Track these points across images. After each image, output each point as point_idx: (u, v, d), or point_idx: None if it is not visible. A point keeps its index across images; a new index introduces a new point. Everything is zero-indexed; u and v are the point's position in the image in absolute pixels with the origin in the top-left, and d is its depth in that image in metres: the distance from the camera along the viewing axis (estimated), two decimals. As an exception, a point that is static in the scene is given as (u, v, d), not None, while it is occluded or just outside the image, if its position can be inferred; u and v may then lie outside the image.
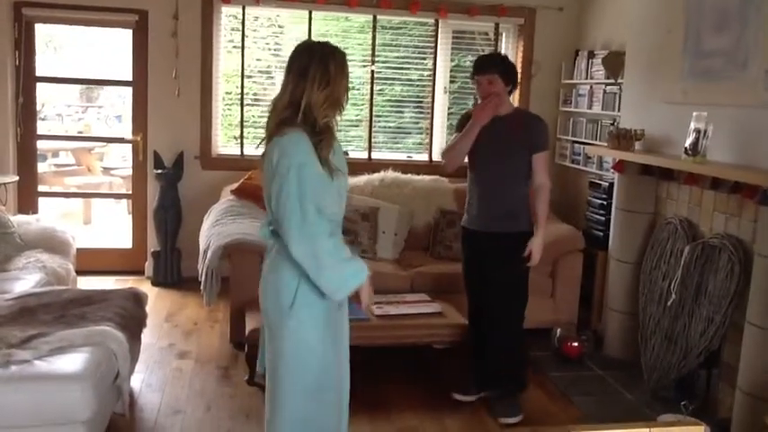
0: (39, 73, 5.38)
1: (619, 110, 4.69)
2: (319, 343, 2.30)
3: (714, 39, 3.69)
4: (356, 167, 5.38)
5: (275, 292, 2.30)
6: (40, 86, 5.46)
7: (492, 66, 3.44)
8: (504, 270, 3.45)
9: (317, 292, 2.26)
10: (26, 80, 5.25)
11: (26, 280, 3.78)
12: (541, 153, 3.43)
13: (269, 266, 2.34)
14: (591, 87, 5.21)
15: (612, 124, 4.74)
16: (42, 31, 5.53)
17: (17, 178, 5.22)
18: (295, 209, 2.15)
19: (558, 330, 4.35)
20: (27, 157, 5.39)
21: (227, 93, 5.56)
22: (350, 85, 2.41)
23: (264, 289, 2.36)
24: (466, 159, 3.55)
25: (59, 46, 8.15)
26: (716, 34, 3.68)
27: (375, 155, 5.68)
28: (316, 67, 2.28)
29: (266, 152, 2.27)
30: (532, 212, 3.44)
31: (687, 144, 3.58)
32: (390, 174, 5.20)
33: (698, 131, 3.53)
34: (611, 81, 4.89)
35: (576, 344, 4.25)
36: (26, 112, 5.31)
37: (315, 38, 5.48)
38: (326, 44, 2.37)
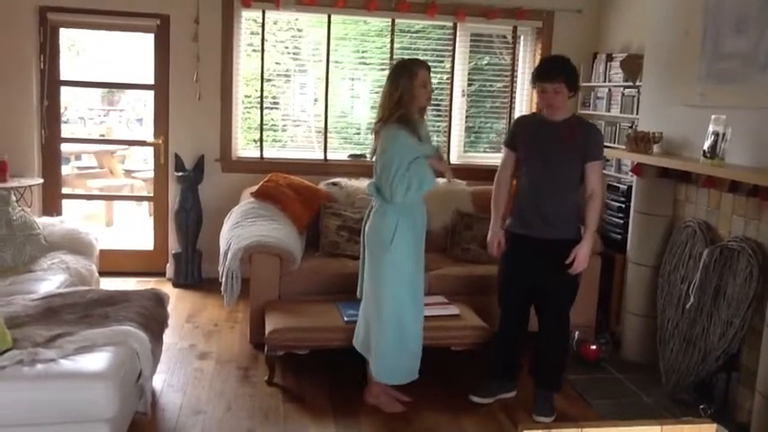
0: (63, 77, 5.47)
1: (637, 112, 4.69)
2: (411, 267, 3.40)
3: (733, 41, 3.68)
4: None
5: (378, 230, 3.38)
6: (63, 90, 5.56)
7: (560, 73, 3.36)
8: (562, 275, 3.45)
9: (410, 231, 3.37)
10: (50, 84, 5.34)
11: (51, 280, 3.85)
12: (596, 162, 3.43)
13: (375, 213, 3.43)
14: (609, 90, 5.21)
15: (631, 127, 4.73)
16: (65, 36, 5.62)
17: (42, 181, 5.32)
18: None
19: (576, 333, 4.35)
20: (51, 160, 5.48)
21: (246, 96, 5.62)
22: (424, 86, 3.34)
23: (370, 228, 3.44)
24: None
25: (82, 50, 8.27)
26: (734, 36, 3.67)
27: (393, 157, 5.70)
28: (393, 79, 3.38)
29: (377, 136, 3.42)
30: (582, 220, 3.47)
31: (705, 147, 3.57)
32: (408, 176, 5.21)
33: (716, 134, 3.52)
34: (630, 84, 4.88)
35: (593, 347, 4.25)
36: (51, 116, 5.41)
37: (333, 41, 5.54)
38: (409, 60, 3.53)
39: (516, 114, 5.80)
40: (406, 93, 3.29)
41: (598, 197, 3.43)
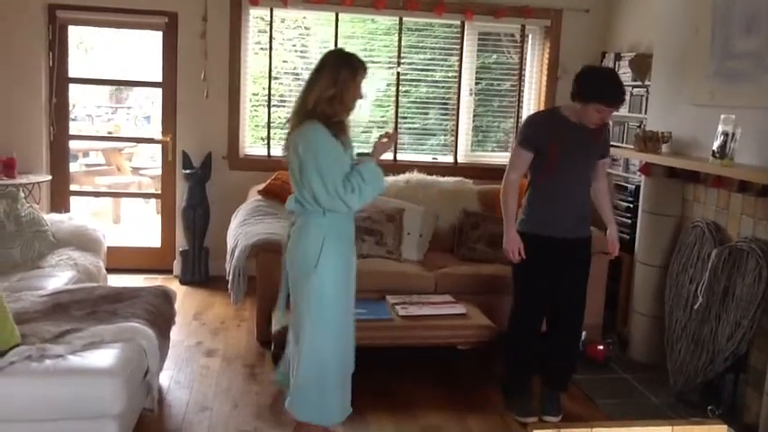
0: (71, 74, 5.49)
1: (646, 112, 4.67)
2: (338, 293, 2.88)
3: (743, 40, 3.66)
4: (381, 168, 5.41)
5: (301, 249, 2.86)
6: (71, 87, 5.57)
7: (624, 99, 3.39)
8: (584, 274, 3.53)
9: (338, 251, 2.85)
10: (59, 81, 5.36)
11: (59, 277, 3.87)
12: (607, 158, 3.66)
13: (296, 231, 2.90)
14: (623, 88, 5.17)
15: (639, 126, 4.72)
16: (73, 33, 5.64)
17: (50, 177, 5.34)
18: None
19: (584, 333, 4.32)
20: (60, 157, 5.50)
21: (254, 94, 5.63)
22: (361, 94, 2.86)
23: (291, 249, 2.91)
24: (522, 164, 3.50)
25: (90, 48, 8.30)
26: (744, 36, 3.65)
27: (400, 156, 5.71)
28: (328, 69, 2.81)
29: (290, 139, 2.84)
30: (602, 211, 3.64)
31: (715, 146, 3.55)
32: (415, 175, 5.22)
33: (725, 134, 3.51)
34: (638, 83, 4.86)
35: (601, 347, 4.24)
36: (59, 113, 5.42)
37: (341, 40, 5.53)
38: (350, 54, 2.89)
39: (524, 113, 5.78)
40: (345, 91, 2.80)
41: (607, 190, 3.70)
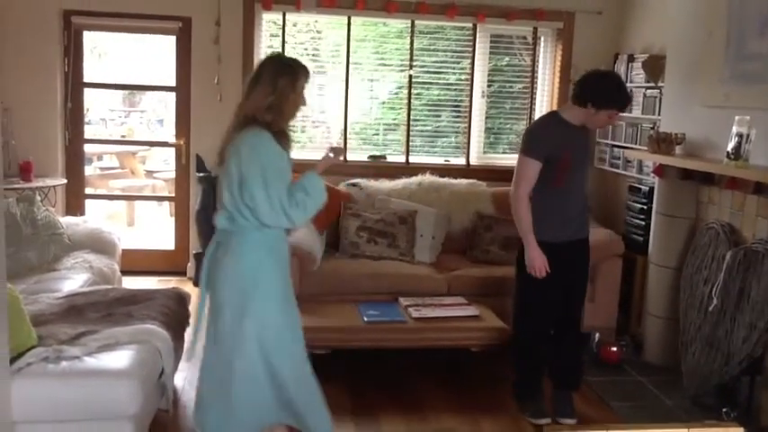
0: (86, 79, 5.54)
1: (659, 113, 4.65)
2: (279, 318, 2.71)
3: (757, 42, 3.64)
4: (394, 171, 5.43)
5: (235, 271, 2.64)
6: (85, 92, 5.62)
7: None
8: (588, 273, 3.60)
9: (276, 271, 2.69)
10: (74, 86, 5.41)
11: (74, 279, 3.90)
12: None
13: (227, 252, 2.67)
14: (631, 91, 5.15)
15: (653, 128, 4.70)
16: (88, 38, 5.69)
17: (65, 181, 5.39)
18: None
19: (597, 335, 4.33)
20: (75, 161, 5.55)
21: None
22: (304, 101, 2.71)
23: (220, 272, 2.66)
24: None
25: (104, 52, 8.37)
26: (759, 37, 3.63)
27: (412, 158, 5.71)
28: (266, 76, 2.65)
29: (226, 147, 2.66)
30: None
31: (729, 148, 3.53)
32: (428, 177, 5.22)
33: (740, 135, 3.49)
34: (652, 85, 4.84)
35: (614, 349, 4.22)
36: (74, 117, 5.47)
37: (353, 43, 5.54)
38: (290, 60, 2.74)
39: (537, 115, 5.76)
40: (285, 99, 2.63)
41: None
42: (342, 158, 2.89)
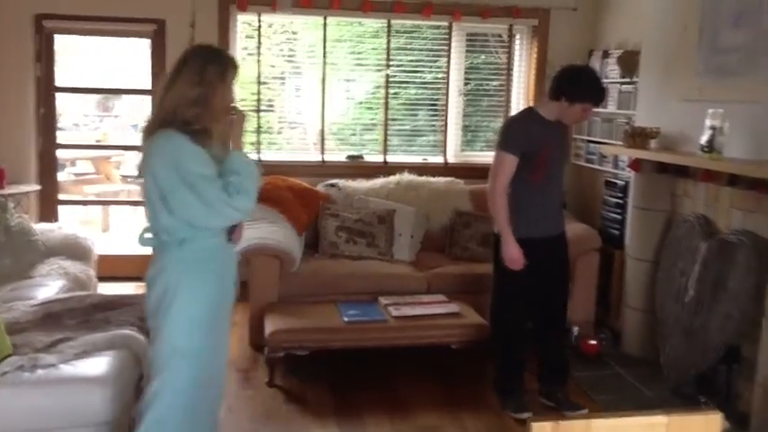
0: (58, 83, 5.47)
1: (634, 108, 4.69)
2: (198, 357, 2.44)
3: (730, 36, 3.69)
4: (372, 170, 5.42)
5: (155, 292, 2.43)
6: (58, 96, 5.55)
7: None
8: (568, 268, 3.65)
9: (202, 294, 2.41)
10: (46, 91, 5.34)
11: (49, 286, 3.84)
12: None
13: (151, 266, 2.47)
14: (605, 86, 5.20)
15: (628, 123, 4.74)
16: (59, 42, 5.61)
17: (39, 187, 5.31)
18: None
19: (576, 329, 4.35)
20: (48, 167, 5.47)
21: (242, 100, 5.61)
22: (233, 99, 2.43)
23: (146, 288, 2.49)
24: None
25: (76, 56, 8.26)
26: (732, 31, 3.68)
27: (390, 158, 5.71)
28: (192, 66, 2.36)
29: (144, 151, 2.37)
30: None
31: (703, 141, 3.58)
32: (406, 176, 5.23)
33: (713, 128, 3.53)
34: (627, 80, 4.89)
35: (594, 342, 4.25)
36: (47, 123, 5.40)
37: (329, 43, 5.52)
38: (218, 49, 2.51)
39: (513, 112, 5.78)
40: (213, 91, 2.34)
41: None
42: (247, 115, 2.51)
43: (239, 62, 2.48)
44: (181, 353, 2.41)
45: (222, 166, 2.36)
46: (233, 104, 2.44)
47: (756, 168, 3.29)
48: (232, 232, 2.53)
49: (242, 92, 5.59)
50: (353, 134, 5.84)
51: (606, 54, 5.24)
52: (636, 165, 4.26)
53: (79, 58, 8.20)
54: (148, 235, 2.44)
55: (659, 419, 1.38)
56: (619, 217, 4.72)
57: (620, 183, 4.79)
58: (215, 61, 2.39)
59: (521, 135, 3.41)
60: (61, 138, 5.95)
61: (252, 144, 5.64)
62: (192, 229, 2.36)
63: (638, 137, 4.16)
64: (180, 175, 2.26)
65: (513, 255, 3.37)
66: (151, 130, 2.34)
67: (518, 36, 5.80)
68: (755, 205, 3.45)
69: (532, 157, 3.36)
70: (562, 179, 3.61)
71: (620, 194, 4.75)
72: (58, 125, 5.91)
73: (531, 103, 5.69)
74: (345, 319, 3.85)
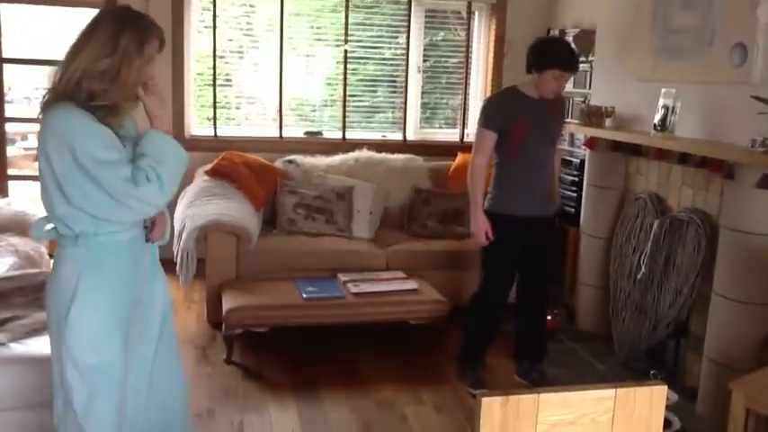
0: (5, 55, 5.28)
1: (590, 87, 4.75)
2: (105, 362, 2.05)
3: (681, 16, 3.75)
4: (330, 147, 5.39)
5: (52, 295, 2.06)
6: (6, 68, 5.36)
7: (579, 65, 3.47)
8: (553, 250, 3.68)
9: (98, 299, 2.01)
10: (-7, 62, 5.16)
11: (-2, 264, 3.75)
12: (562, 135, 3.75)
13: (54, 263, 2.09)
14: (575, 52, 5.23)
15: (584, 101, 4.80)
16: (6, 11, 5.41)
17: (-14, 162, 5.15)
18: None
19: (532, 305, 4.42)
20: (-4, 141, 5.31)
21: (198, 74, 5.51)
22: (149, 64, 2.02)
23: (47, 287, 2.11)
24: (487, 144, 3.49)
25: (24, 27, 7.98)
26: (683, 12, 3.74)
27: (349, 134, 5.68)
28: (105, 30, 1.96)
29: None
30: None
31: (656, 120, 3.64)
32: (365, 153, 5.21)
33: (666, 108, 3.60)
34: (583, 59, 4.93)
35: (549, 318, 4.32)
36: (-6, 95, 5.22)
37: (287, 18, 5.44)
38: (139, 14, 2.04)
39: (472, 90, 5.82)
40: (127, 64, 1.96)
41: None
42: (155, 89, 2.07)
43: (162, 31, 2.06)
44: (85, 370, 2.03)
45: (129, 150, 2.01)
46: (150, 81, 2.05)
47: (706, 147, 3.37)
48: (151, 228, 2.17)
49: (198, 66, 5.48)
50: (313, 110, 5.79)
51: (563, 33, 5.28)
52: (591, 143, 4.33)
53: (29, 29, 7.93)
54: (49, 226, 2.05)
55: (607, 393, 1.41)
56: (574, 195, 4.79)
57: (575, 161, 4.86)
58: (134, 28, 1.97)
59: (495, 112, 3.45)
60: (11, 111, 5.77)
61: (208, 119, 5.55)
62: (95, 222, 1.98)
63: (593, 115, 4.22)
64: (76, 160, 1.88)
65: (479, 226, 3.44)
66: (48, 103, 1.96)
67: (477, 13, 5.80)
68: (705, 184, 3.54)
69: (508, 134, 3.41)
70: (549, 159, 3.53)
71: (575, 172, 4.82)
72: (8, 98, 5.72)
73: (490, 81, 5.73)
74: (304, 295, 3.85)
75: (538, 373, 3.70)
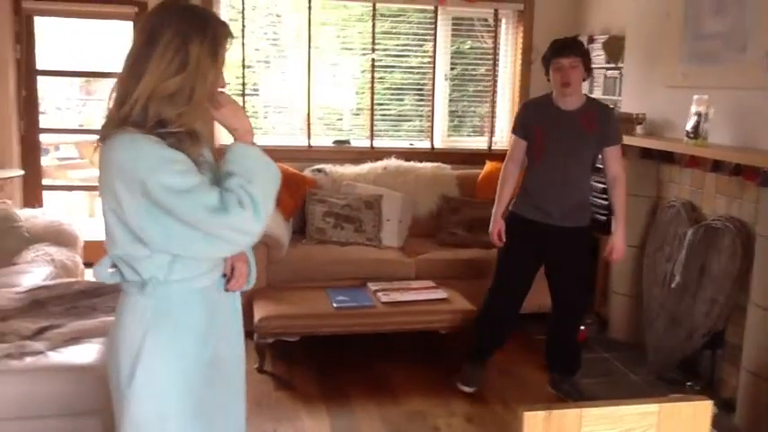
0: (39, 66, 5.38)
1: (620, 94, 4.71)
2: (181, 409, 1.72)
3: (713, 22, 3.71)
4: (358, 156, 5.41)
5: (114, 353, 1.73)
6: (39, 80, 5.47)
7: (577, 48, 3.35)
8: (578, 262, 3.53)
9: (169, 360, 1.68)
10: (27, 74, 5.25)
11: (35, 273, 3.81)
12: (616, 146, 3.42)
13: (118, 315, 1.76)
14: (592, 72, 5.21)
15: (613, 108, 4.75)
16: (40, 24, 5.52)
17: (22, 172, 5.24)
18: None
19: (563, 314, 4.39)
20: (31, 151, 5.39)
21: (227, 83, 5.55)
22: (223, 82, 1.70)
23: (108, 343, 1.79)
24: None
25: (58, 38, 8.13)
26: (715, 17, 3.70)
27: (377, 143, 5.69)
28: (168, 41, 1.59)
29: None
30: (610, 206, 3.49)
31: (688, 127, 3.60)
32: (393, 162, 5.22)
33: (698, 114, 3.56)
34: (612, 65, 4.90)
35: (581, 327, 4.28)
36: (29, 106, 5.32)
37: (314, 27, 5.47)
38: (202, 12, 1.69)
39: (499, 98, 5.80)
40: (201, 79, 1.62)
41: (622, 180, 3.44)
42: (224, 98, 1.73)
43: (228, 26, 1.72)
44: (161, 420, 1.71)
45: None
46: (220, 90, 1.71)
47: (740, 154, 3.33)
48: (230, 276, 1.85)
49: (226, 76, 5.53)
50: (340, 119, 5.81)
51: (591, 39, 5.25)
52: (621, 150, 4.28)
53: (61, 40, 8.08)
54: (112, 270, 1.73)
55: (651, 408, 1.40)
56: (605, 203, 4.73)
57: (605, 168, 4.80)
58: (202, 33, 1.61)
59: (522, 118, 3.54)
60: (44, 122, 5.87)
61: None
62: (167, 266, 1.66)
63: (624, 122, 4.17)
64: (148, 195, 1.55)
65: (492, 227, 3.55)
66: (108, 132, 1.62)
67: (504, 21, 5.79)
68: (740, 191, 3.49)
69: (531, 141, 3.47)
70: (576, 171, 3.41)
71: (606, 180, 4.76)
72: (41, 109, 5.83)
73: (518, 89, 5.72)
74: (335, 305, 3.86)
75: (570, 384, 3.66)
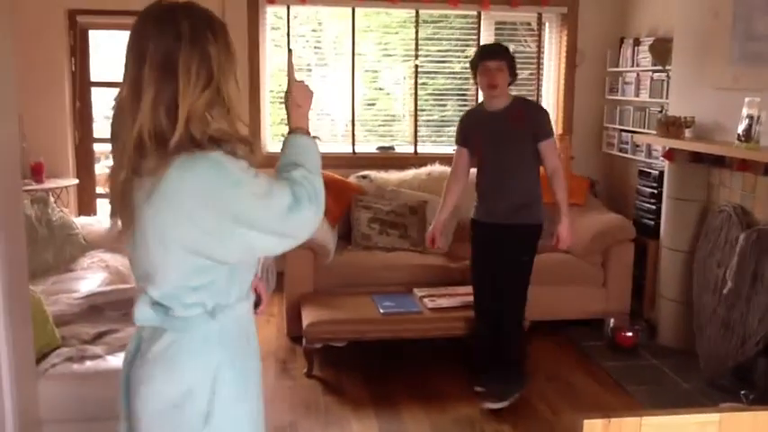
0: (93, 78, 5.55)
1: (667, 97, 4.65)
2: None
3: (764, 22, 3.64)
4: (403, 161, 5.44)
5: (171, 403, 1.50)
6: (93, 91, 5.63)
7: (503, 52, 3.54)
8: (516, 259, 3.54)
9: (243, 389, 1.55)
10: (82, 85, 5.43)
11: (91, 279, 3.93)
12: (548, 140, 3.52)
13: (157, 357, 1.51)
14: (637, 75, 5.16)
15: (661, 112, 4.70)
16: (93, 37, 5.69)
17: (77, 181, 5.41)
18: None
19: (612, 320, 4.35)
20: (85, 160, 5.57)
21: (270, 91, 5.65)
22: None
23: (147, 391, 1.52)
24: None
25: (111, 51, 8.35)
26: (766, 16, 3.63)
27: (420, 148, 5.72)
28: (187, 56, 1.43)
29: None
30: (553, 198, 3.54)
31: (740, 130, 3.54)
32: (437, 167, 5.23)
33: (750, 117, 3.50)
34: (659, 68, 4.84)
35: (629, 333, 4.24)
36: (83, 117, 5.49)
37: (357, 35, 5.51)
38: (200, 10, 1.51)
39: (544, 102, 5.77)
40: (226, 84, 1.49)
41: (560, 172, 3.53)
42: (299, 82, 1.71)
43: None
44: None
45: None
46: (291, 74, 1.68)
47: (796, 158, 3.26)
48: (258, 299, 1.76)
49: (270, 83, 5.62)
50: (383, 125, 5.86)
51: (637, 42, 5.19)
52: (670, 154, 4.23)
53: (114, 52, 8.29)
54: (147, 306, 1.54)
55: (711, 417, 1.39)
56: (653, 207, 4.69)
57: (654, 172, 4.75)
58: (212, 36, 1.47)
59: (459, 128, 3.76)
60: (97, 132, 6.03)
61: (282, 135, 5.67)
62: (223, 291, 1.52)
63: (671, 126, 4.13)
64: (224, 214, 1.41)
65: (427, 233, 3.82)
66: (158, 163, 1.42)
67: (547, 24, 5.76)
68: (795, 195, 3.42)
69: (471, 147, 3.67)
70: (518, 170, 3.51)
71: (654, 184, 4.71)
72: (93, 119, 6.00)
73: (562, 93, 5.69)
74: (381, 310, 3.89)
75: (495, 386, 3.54)
